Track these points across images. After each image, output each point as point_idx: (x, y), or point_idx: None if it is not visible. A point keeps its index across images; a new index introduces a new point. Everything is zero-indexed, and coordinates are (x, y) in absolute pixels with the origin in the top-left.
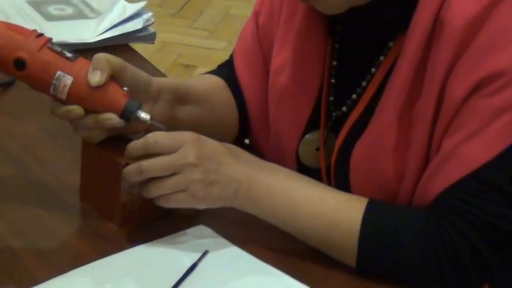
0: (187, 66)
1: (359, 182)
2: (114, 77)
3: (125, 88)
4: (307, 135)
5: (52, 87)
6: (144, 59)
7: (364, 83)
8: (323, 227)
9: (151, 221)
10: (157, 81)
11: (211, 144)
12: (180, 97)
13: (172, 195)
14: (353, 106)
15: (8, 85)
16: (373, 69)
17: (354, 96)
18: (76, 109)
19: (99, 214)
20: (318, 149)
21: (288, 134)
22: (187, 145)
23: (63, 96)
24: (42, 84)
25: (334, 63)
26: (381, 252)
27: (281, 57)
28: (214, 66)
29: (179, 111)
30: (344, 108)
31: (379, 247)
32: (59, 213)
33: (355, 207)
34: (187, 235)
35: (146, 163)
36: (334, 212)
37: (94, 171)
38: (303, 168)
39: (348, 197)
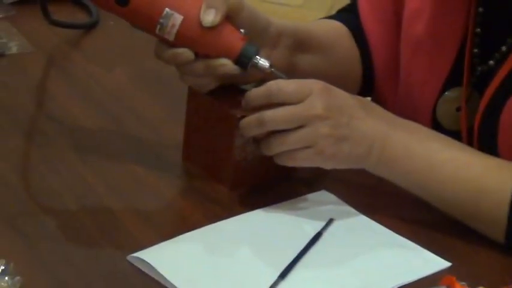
0: None
1: (509, 147)
2: (230, 17)
3: (242, 30)
4: (446, 93)
5: (158, 26)
6: None
7: None
8: (469, 194)
9: (265, 184)
10: (276, 23)
11: (342, 95)
12: (301, 44)
13: (297, 152)
14: (502, 60)
15: (90, 27)
16: None
17: (504, 48)
18: (185, 52)
19: (206, 174)
20: (458, 109)
21: (423, 91)
22: (315, 94)
23: (171, 37)
24: (147, 22)
25: (480, 9)
26: None
27: (417, 0)
28: None
29: (299, 59)
30: (491, 62)
31: None
32: (159, 173)
33: (506, 173)
34: (308, 201)
35: (269, 113)
36: (482, 177)
37: (201, 125)
38: (439, 130)
39: (498, 161)
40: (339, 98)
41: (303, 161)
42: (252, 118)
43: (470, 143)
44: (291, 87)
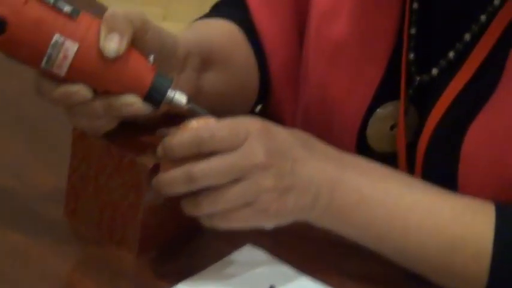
0: None
1: (474, 178)
2: (134, 41)
3: (151, 57)
4: (379, 110)
5: (45, 58)
6: None
7: (467, 36)
8: (439, 245)
9: (175, 241)
10: (182, 42)
11: (281, 134)
12: (205, 62)
13: (233, 212)
14: (451, 68)
15: None
16: (482, 17)
17: (451, 54)
18: (81, 90)
19: (101, 236)
20: (392, 128)
21: (347, 107)
22: (253, 138)
23: (62, 71)
24: (29, 53)
25: (415, 5)
26: None
27: None
28: None
29: (203, 80)
30: (434, 71)
31: None
32: (40, 238)
33: (482, 218)
34: (235, 263)
35: (200, 167)
36: (455, 225)
37: (92, 175)
38: (366, 153)
39: (469, 203)
40: (279, 138)
41: (241, 221)
42: (177, 174)
43: (408, 169)
44: (224, 131)
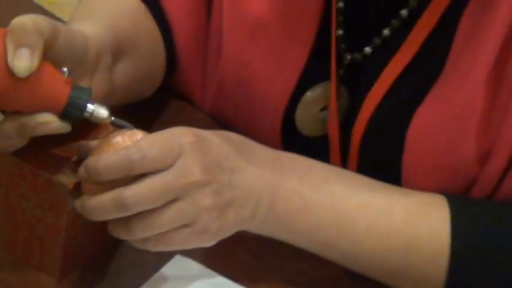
0: None
1: (419, 167)
2: (45, 52)
3: (64, 69)
4: (308, 93)
5: None
6: None
7: (404, 13)
8: (394, 249)
9: (98, 258)
10: (94, 42)
11: (214, 143)
12: (115, 55)
13: (170, 234)
14: (387, 46)
15: None
16: None
17: (386, 31)
18: None
19: (14, 260)
20: (322, 110)
21: (270, 88)
22: (187, 153)
23: None
24: None
25: None
26: (483, 275)
27: None
28: None
29: (115, 74)
30: (367, 49)
31: (480, 269)
32: None
33: (434, 211)
34: (168, 278)
35: (131, 192)
36: (407, 224)
37: (2, 193)
38: (293, 137)
39: (418, 196)
40: (214, 149)
41: (178, 244)
42: (105, 199)
43: (341, 153)
44: (155, 151)
